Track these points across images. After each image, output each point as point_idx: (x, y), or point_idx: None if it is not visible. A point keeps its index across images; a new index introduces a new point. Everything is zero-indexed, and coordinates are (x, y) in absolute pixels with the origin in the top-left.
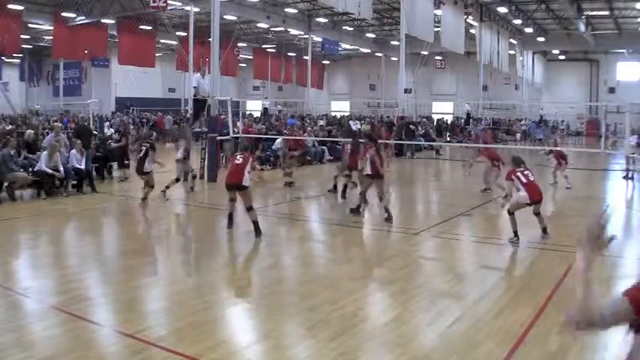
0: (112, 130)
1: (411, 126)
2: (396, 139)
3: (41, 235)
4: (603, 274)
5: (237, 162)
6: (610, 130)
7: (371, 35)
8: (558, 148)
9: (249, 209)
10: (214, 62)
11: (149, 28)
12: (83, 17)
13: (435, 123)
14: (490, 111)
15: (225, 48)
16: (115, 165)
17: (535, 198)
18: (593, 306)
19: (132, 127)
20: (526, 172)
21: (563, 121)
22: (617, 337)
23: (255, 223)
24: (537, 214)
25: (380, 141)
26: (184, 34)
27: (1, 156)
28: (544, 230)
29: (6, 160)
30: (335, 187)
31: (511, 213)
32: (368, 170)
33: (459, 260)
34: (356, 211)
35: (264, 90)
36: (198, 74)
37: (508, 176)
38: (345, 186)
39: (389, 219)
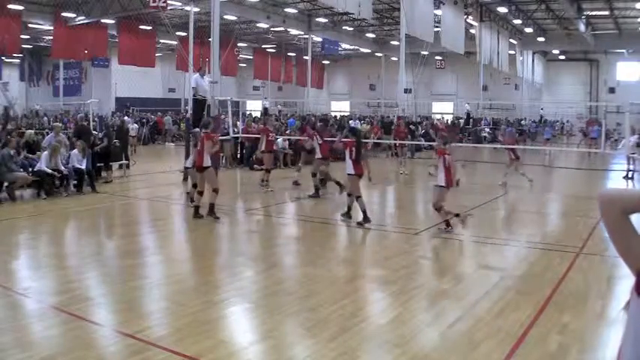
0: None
1: (411, 126)
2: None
3: (41, 235)
4: (603, 274)
5: (197, 148)
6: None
7: (371, 35)
8: (512, 147)
9: (214, 190)
10: (214, 62)
11: (149, 28)
12: (83, 17)
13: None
14: (490, 111)
15: (225, 48)
16: (110, 165)
17: (450, 183)
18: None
19: (131, 126)
20: (450, 157)
21: (568, 121)
22: (617, 338)
23: (212, 206)
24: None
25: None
26: (184, 34)
27: (1, 156)
28: (447, 224)
29: (6, 160)
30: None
31: (439, 209)
32: (351, 170)
33: (459, 260)
34: (347, 215)
35: (264, 90)
36: (197, 74)
37: (440, 153)
38: (317, 187)
39: (366, 220)
